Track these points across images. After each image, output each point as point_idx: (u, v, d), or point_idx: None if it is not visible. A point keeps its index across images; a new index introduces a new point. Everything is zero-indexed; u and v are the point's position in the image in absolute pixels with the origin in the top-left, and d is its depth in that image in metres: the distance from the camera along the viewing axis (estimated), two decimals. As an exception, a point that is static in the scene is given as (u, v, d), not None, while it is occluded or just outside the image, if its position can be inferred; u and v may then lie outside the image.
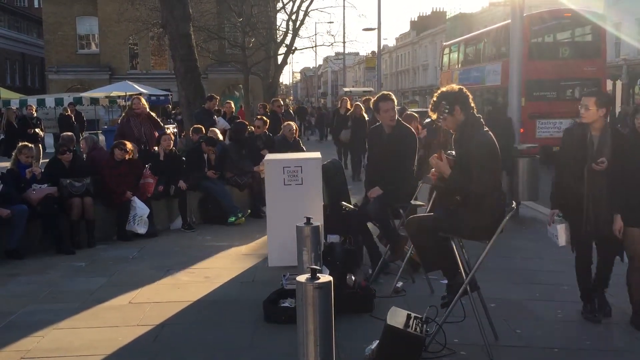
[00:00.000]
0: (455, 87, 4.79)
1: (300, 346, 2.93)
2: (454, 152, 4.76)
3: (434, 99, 4.78)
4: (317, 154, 7.51)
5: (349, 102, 16.20)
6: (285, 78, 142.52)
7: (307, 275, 2.89)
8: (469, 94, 4.74)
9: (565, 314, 5.51)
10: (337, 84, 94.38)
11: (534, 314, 5.53)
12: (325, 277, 2.87)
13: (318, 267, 2.89)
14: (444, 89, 4.79)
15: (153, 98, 29.08)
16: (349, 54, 69.10)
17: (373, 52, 66.76)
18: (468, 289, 4.65)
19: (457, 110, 4.66)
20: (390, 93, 6.53)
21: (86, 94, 28.70)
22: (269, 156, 7.73)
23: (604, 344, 4.92)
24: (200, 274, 6.91)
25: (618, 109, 34.56)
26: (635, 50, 36.35)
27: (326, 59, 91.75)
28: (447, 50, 28.18)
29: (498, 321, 5.03)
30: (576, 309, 5.52)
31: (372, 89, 47.28)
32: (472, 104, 4.73)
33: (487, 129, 4.69)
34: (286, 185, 6.98)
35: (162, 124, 10.88)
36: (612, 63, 37.37)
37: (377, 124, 6.59)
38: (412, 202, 6.27)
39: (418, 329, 4.39)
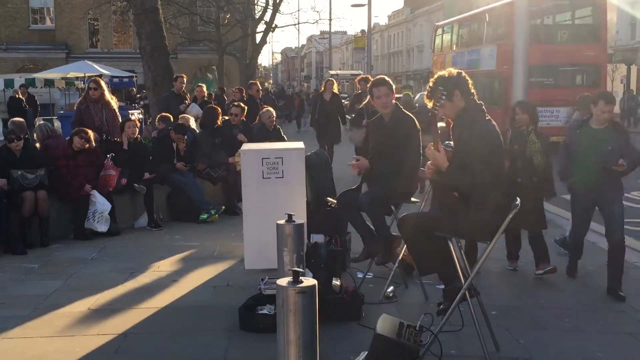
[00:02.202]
0: (453, 71, 4.81)
1: (281, 357, 2.94)
2: (452, 144, 4.79)
3: (431, 84, 4.81)
4: (300, 144, 7.51)
5: (335, 86, 14.68)
6: (264, 59, 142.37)
7: (289, 279, 2.89)
8: (468, 78, 4.77)
9: (573, 322, 5.57)
10: (322, 66, 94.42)
11: (538, 322, 5.58)
12: (309, 281, 2.87)
13: (301, 270, 2.89)
14: (441, 72, 4.81)
15: (115, 80, 28.98)
16: (336, 32, 69.15)
17: (363, 31, 66.89)
18: (467, 294, 4.67)
19: (456, 96, 4.69)
20: (384, 77, 6.54)
21: (40, 75, 28.52)
22: (246, 146, 7.72)
23: (617, 356, 4.98)
24: (168, 278, 6.90)
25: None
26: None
27: (310, 39, 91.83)
28: (439, 31, 28.52)
29: (499, 330, 5.08)
30: (585, 317, 5.59)
31: (361, 72, 47.30)
32: (473, 90, 4.76)
33: (489, 117, 4.72)
34: (265, 179, 6.98)
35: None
36: (627, 46, 37.69)
37: (378, 114, 6.60)
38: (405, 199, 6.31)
39: (411, 338, 4.41)
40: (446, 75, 4.77)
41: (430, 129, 4.89)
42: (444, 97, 4.67)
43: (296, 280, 2.86)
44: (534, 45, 18.08)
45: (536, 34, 19.40)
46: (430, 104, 4.83)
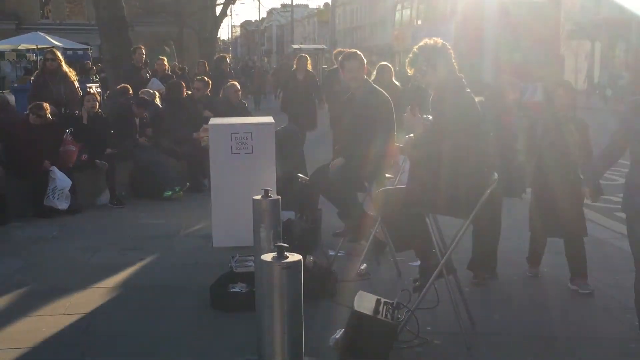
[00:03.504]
0: (439, 41, 4.82)
1: (265, 334, 2.94)
2: (430, 117, 4.81)
3: (414, 51, 4.81)
4: (269, 119, 7.47)
5: (309, 62, 13.05)
6: (223, 33, 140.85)
7: (273, 254, 2.89)
8: (451, 51, 4.78)
9: (546, 298, 5.68)
10: (284, 40, 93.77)
11: (512, 298, 5.66)
12: (294, 256, 2.87)
13: (286, 245, 2.89)
14: (427, 41, 4.81)
15: (69, 53, 28.43)
16: (298, 6, 68.78)
17: (326, 4, 66.61)
18: (444, 272, 4.72)
19: (439, 66, 4.70)
20: (356, 51, 6.53)
21: (-11, 47, 27.87)
22: (214, 120, 7.65)
23: (590, 330, 5.09)
24: (134, 256, 6.83)
25: (597, 73, 35.44)
26: (616, 8, 37.13)
27: (271, 11, 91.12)
28: (399, 7, 28.69)
29: (474, 306, 5.14)
30: (557, 294, 5.69)
31: (324, 46, 47.14)
32: (454, 63, 4.78)
33: (469, 90, 4.75)
34: (234, 154, 6.94)
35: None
36: (591, 22, 38.16)
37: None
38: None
39: (389, 315, 4.45)
40: (431, 45, 4.78)
41: None
42: (426, 66, 4.69)
43: (281, 256, 2.86)
44: (498, 21, 18.58)
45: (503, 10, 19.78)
46: (411, 72, 4.86)
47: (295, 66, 12.97)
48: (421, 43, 4.84)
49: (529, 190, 6.23)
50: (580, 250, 5.77)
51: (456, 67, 4.80)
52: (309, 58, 13.17)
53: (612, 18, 37.67)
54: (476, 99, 4.85)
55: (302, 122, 11.85)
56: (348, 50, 6.67)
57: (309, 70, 12.78)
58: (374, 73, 10.43)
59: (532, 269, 6.24)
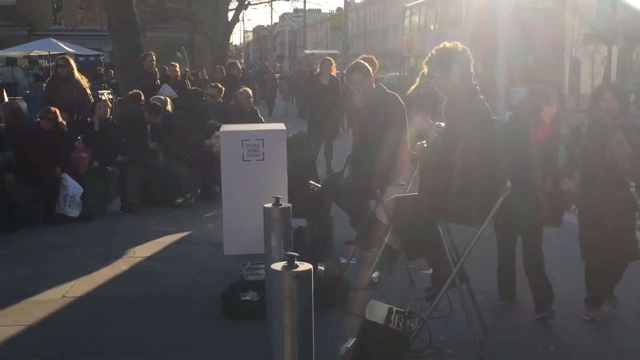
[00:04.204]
0: (460, 45, 4.80)
1: (275, 344, 2.95)
2: (443, 124, 4.81)
3: (431, 53, 4.80)
4: (280, 125, 7.49)
5: (333, 66, 12.19)
6: (235, 38, 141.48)
7: (283, 263, 2.90)
8: (472, 57, 4.77)
9: (560, 307, 5.63)
10: (296, 45, 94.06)
11: (526, 307, 5.63)
12: (304, 265, 2.88)
13: (296, 254, 2.90)
14: (447, 44, 4.79)
15: (81, 59, 28.61)
16: (310, 10, 68.95)
17: (339, 9, 66.77)
18: (457, 280, 4.71)
19: (453, 71, 4.69)
20: (360, 62, 6.48)
21: (1, 53, 28.04)
22: (225, 127, 7.68)
23: (606, 341, 5.08)
24: (145, 264, 6.88)
25: (614, 77, 35.24)
26: (633, 11, 36.93)
27: (283, 16, 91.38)
28: (408, 13, 28.92)
29: (487, 316, 5.13)
30: (571, 302, 5.66)
31: (337, 51, 47.26)
32: (472, 70, 4.77)
33: (482, 97, 4.74)
34: (245, 162, 6.96)
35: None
36: (608, 26, 37.98)
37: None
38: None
39: (400, 324, 4.44)
40: (447, 49, 4.76)
41: None
42: (439, 70, 4.69)
43: (291, 265, 2.87)
44: (510, 25, 18.67)
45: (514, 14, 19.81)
46: (425, 70, 4.87)
47: (318, 70, 12.33)
48: (440, 45, 4.82)
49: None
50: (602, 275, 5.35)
51: (473, 73, 4.78)
52: (333, 61, 12.38)
53: (629, 21, 37.48)
54: (507, 114, 4.82)
55: (324, 130, 11.60)
56: (353, 62, 6.66)
57: (332, 75, 12.09)
58: (418, 79, 10.20)
59: (591, 311, 5.36)
